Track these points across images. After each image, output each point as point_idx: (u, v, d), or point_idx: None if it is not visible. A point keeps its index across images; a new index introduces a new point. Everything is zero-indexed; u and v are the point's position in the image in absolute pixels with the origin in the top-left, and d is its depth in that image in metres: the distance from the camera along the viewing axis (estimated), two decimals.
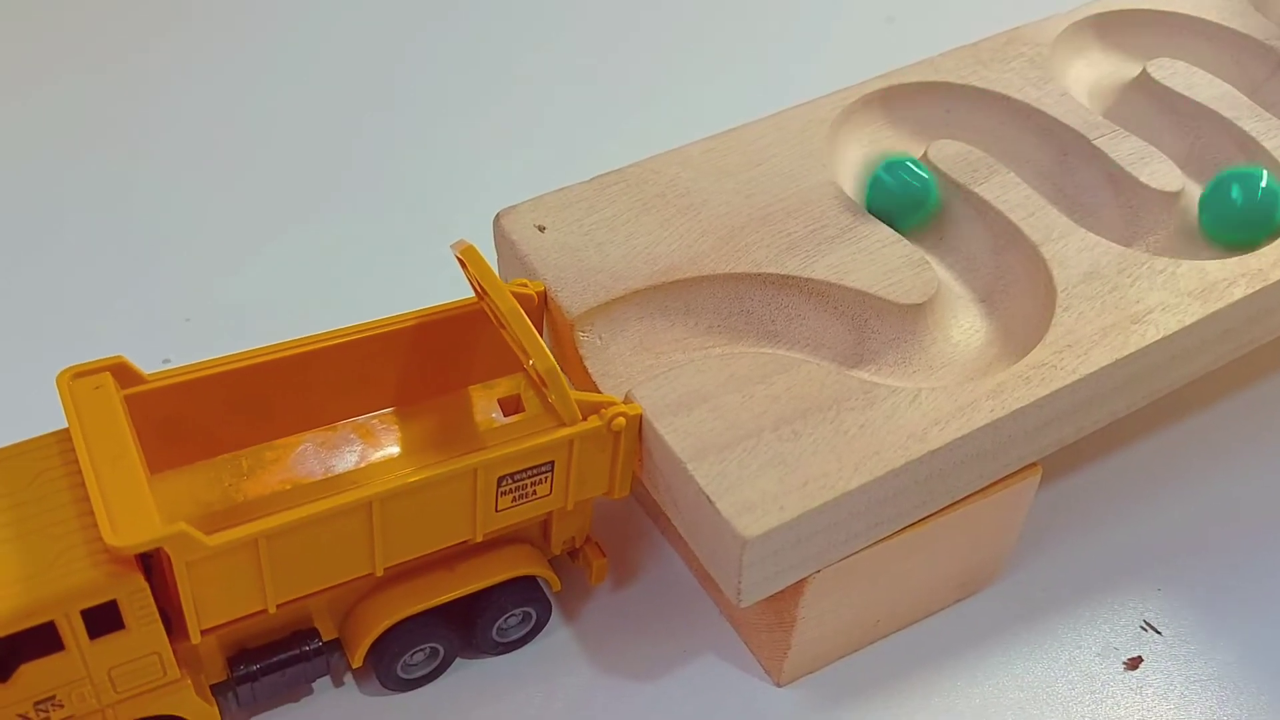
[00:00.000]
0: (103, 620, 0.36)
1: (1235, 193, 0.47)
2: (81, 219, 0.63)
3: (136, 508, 0.35)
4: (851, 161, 0.51)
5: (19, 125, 0.68)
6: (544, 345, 0.40)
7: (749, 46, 0.76)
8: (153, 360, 0.55)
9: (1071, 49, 0.56)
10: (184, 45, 0.75)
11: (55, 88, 0.71)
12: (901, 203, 0.48)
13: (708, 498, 0.38)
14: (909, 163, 0.48)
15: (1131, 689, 0.45)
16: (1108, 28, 0.58)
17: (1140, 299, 0.44)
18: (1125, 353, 0.42)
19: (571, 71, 0.70)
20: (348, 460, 0.44)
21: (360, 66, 0.74)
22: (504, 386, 0.47)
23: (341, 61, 0.74)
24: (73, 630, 0.35)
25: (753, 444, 0.39)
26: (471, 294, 0.45)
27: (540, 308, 0.46)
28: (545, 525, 0.45)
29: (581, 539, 0.46)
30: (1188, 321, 0.43)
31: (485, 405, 0.46)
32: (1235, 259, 0.46)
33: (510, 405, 0.47)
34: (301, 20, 0.77)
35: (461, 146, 0.62)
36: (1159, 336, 0.43)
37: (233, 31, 0.76)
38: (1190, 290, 0.44)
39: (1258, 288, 0.44)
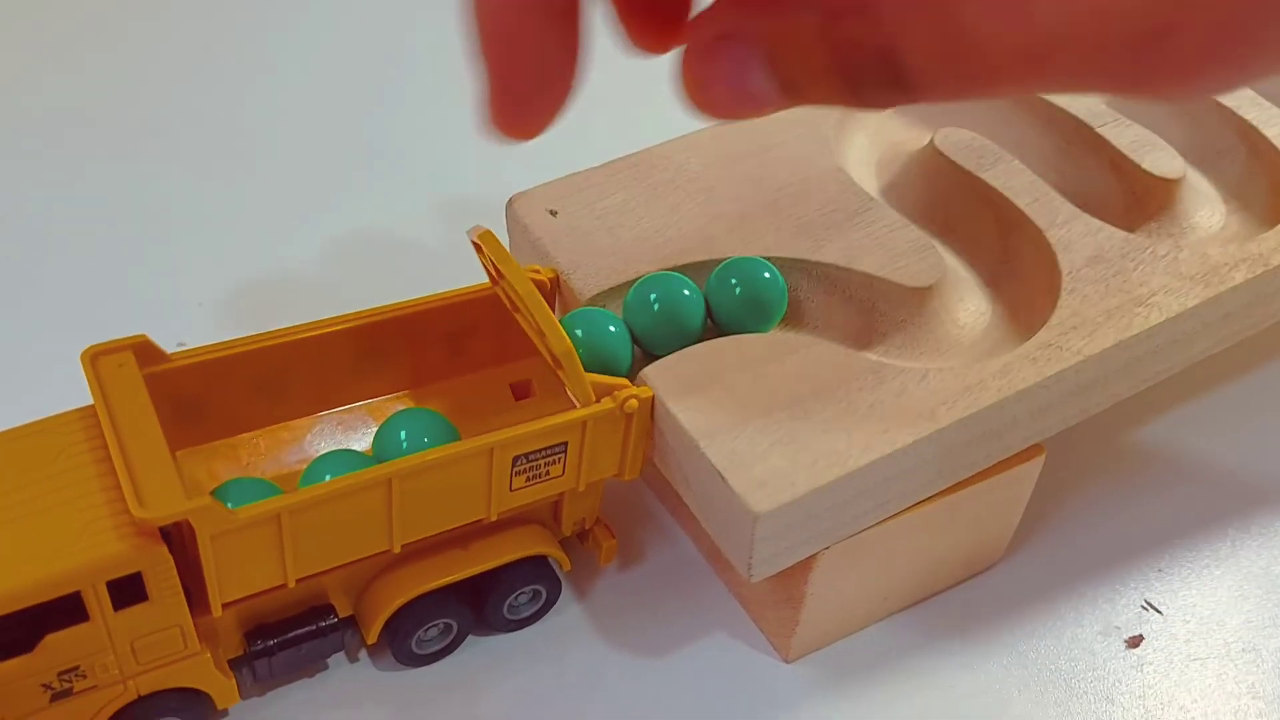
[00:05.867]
0: (127, 592, 0.36)
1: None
2: (95, 203, 0.63)
3: (162, 481, 0.36)
4: (859, 148, 0.52)
5: (34, 110, 0.69)
6: (559, 326, 0.41)
7: None
8: (166, 344, 0.55)
9: None
10: (195, 34, 0.75)
11: (70, 75, 0.72)
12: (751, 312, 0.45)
13: (720, 475, 0.39)
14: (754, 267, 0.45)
15: (1133, 666, 0.46)
16: None
17: (1144, 282, 0.45)
18: (1129, 334, 0.43)
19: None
20: (362, 441, 0.45)
21: (373, 52, 0.74)
22: (515, 371, 0.48)
23: (355, 47, 0.75)
24: (98, 601, 0.36)
25: (764, 423, 0.40)
26: (484, 279, 0.46)
27: (552, 293, 0.46)
28: (556, 506, 0.45)
29: (592, 520, 0.47)
30: (1190, 304, 0.44)
31: (496, 389, 0.47)
32: (1236, 244, 0.47)
33: (521, 390, 0.47)
34: (314, 6, 0.78)
35: (474, 132, 0.62)
36: (1162, 319, 0.43)
37: (244, 19, 0.77)
38: (1192, 274, 0.45)
39: (1258, 272, 0.45)
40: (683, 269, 0.45)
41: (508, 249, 0.49)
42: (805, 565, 0.41)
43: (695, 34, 0.29)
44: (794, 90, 0.28)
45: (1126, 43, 0.24)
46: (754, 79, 0.28)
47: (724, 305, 0.44)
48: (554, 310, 0.47)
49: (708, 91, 0.29)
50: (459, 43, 0.34)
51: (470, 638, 0.45)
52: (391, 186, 0.65)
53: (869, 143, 0.52)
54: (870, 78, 0.27)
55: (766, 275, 0.44)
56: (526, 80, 0.31)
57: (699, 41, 0.29)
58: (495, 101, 0.31)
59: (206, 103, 0.70)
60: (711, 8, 0.29)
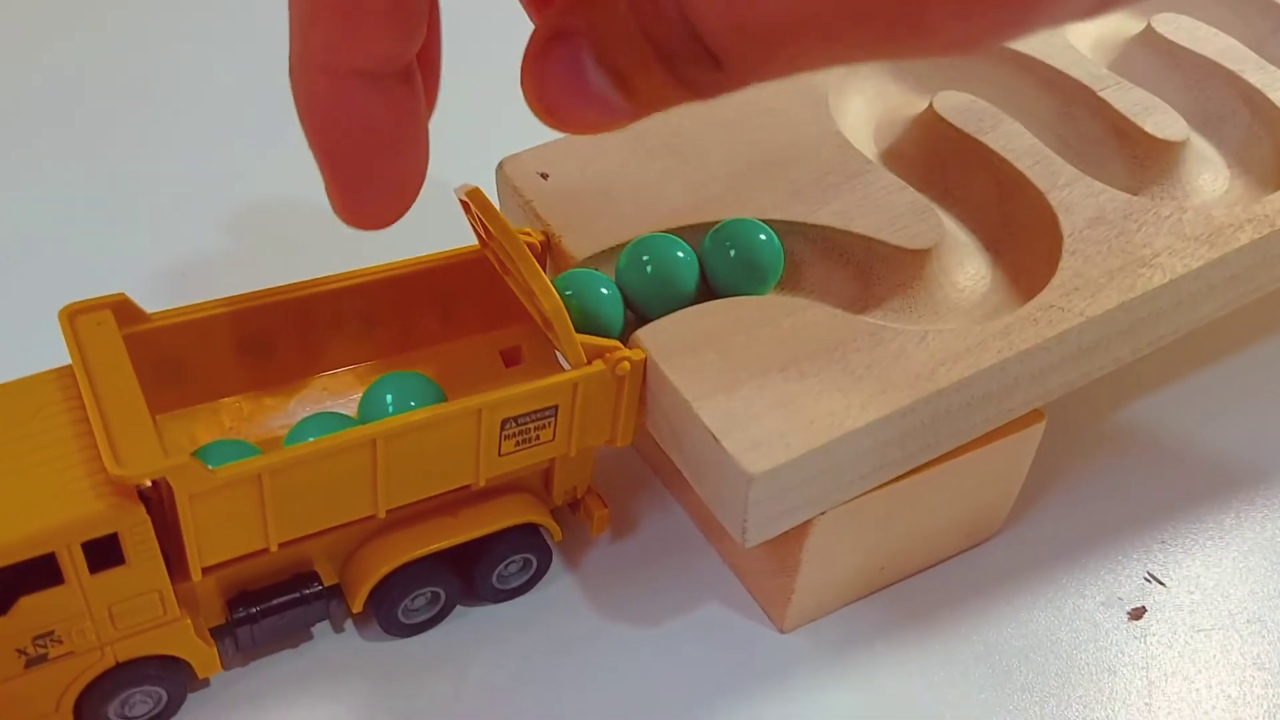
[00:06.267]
0: (104, 554, 0.35)
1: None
2: (78, 173, 0.62)
3: (140, 439, 0.35)
4: (855, 112, 0.51)
5: (16, 78, 0.68)
6: (550, 285, 0.40)
7: None
8: None
9: None
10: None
11: (56, 41, 0.71)
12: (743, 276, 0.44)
13: (714, 436, 0.38)
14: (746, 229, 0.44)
15: (1135, 637, 0.45)
16: None
17: (1147, 243, 0.44)
18: (1132, 295, 0.42)
19: None
20: (348, 408, 0.44)
21: None
22: (505, 338, 0.47)
23: None
24: (73, 563, 0.35)
25: (759, 384, 0.39)
26: (473, 242, 0.45)
27: (543, 256, 0.45)
28: (547, 474, 0.44)
29: (583, 489, 0.46)
30: (1194, 265, 0.43)
31: (486, 355, 0.46)
32: (1241, 205, 0.46)
33: (511, 357, 0.46)
34: None
35: (462, 95, 0.61)
36: (1166, 280, 0.42)
37: None
38: (1196, 235, 0.44)
39: (1264, 233, 0.44)
40: (677, 231, 0.44)
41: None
42: (800, 532, 0.41)
43: (531, 40, 0.28)
44: (627, 85, 0.27)
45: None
46: (589, 75, 0.27)
47: (719, 267, 0.43)
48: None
49: (546, 95, 0.28)
50: (447, 6, 0.34)
51: (459, 608, 0.45)
52: None
53: (867, 106, 0.51)
54: (682, 52, 0.26)
55: (762, 237, 0.43)
56: (363, 165, 0.29)
57: (533, 46, 0.28)
58: (332, 191, 0.30)
59: (193, 68, 0.69)
60: (545, 11, 0.28)
